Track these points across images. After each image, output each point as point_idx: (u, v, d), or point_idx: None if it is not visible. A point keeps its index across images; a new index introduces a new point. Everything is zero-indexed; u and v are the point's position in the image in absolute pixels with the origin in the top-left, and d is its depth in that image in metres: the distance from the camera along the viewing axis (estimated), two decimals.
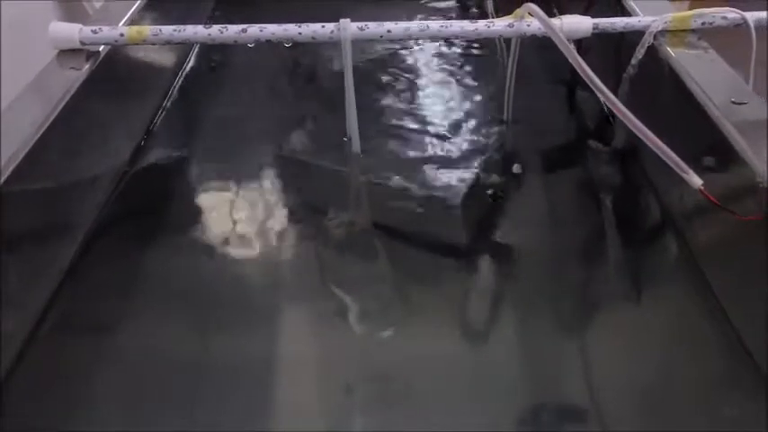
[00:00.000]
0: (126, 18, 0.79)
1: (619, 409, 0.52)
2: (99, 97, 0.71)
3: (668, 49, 0.70)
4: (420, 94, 0.89)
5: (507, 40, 0.81)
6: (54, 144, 0.61)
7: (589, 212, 0.71)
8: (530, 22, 0.72)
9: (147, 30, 0.73)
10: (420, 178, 0.73)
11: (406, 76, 0.92)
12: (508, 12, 0.73)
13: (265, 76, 0.95)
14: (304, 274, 0.64)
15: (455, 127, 0.82)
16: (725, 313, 0.56)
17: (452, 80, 0.91)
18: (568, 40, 0.67)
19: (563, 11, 0.76)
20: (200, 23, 0.75)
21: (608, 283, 0.63)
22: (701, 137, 0.61)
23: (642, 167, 0.73)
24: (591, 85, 0.62)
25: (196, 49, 0.99)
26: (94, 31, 0.72)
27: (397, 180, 0.73)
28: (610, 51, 0.79)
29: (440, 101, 0.87)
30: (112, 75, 0.75)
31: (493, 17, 1.01)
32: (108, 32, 0.72)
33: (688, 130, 0.63)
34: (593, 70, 0.62)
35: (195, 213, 0.71)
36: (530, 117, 0.83)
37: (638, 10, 0.78)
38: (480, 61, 0.96)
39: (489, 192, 0.72)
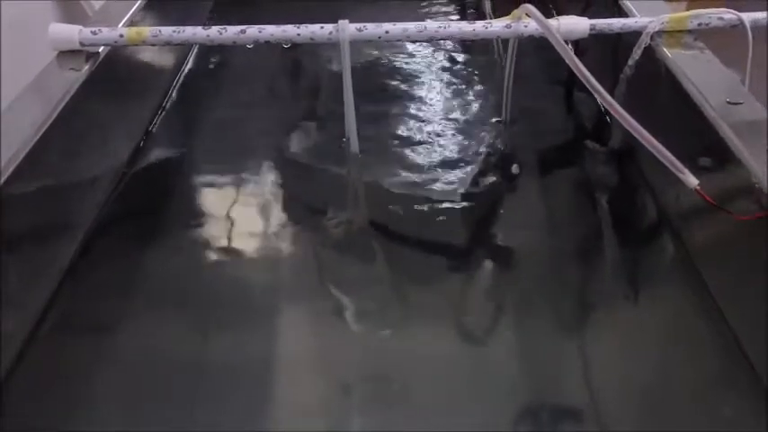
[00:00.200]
0: (125, 19, 0.79)
1: (616, 408, 0.52)
2: (98, 98, 0.71)
3: (665, 49, 0.70)
4: (418, 94, 0.89)
5: (505, 41, 0.82)
6: (54, 144, 0.61)
7: (586, 212, 0.71)
8: (527, 22, 0.72)
9: (147, 31, 0.73)
10: (418, 178, 0.73)
11: (404, 76, 0.92)
12: (506, 13, 0.74)
13: (264, 76, 0.95)
14: (303, 274, 0.64)
15: (453, 127, 0.82)
16: (721, 313, 0.57)
17: (451, 81, 0.92)
18: (565, 40, 0.68)
19: (560, 12, 0.76)
20: (200, 24, 0.75)
21: (605, 282, 0.63)
22: (698, 137, 0.61)
23: (639, 167, 0.73)
24: (587, 86, 0.62)
25: (195, 50, 0.99)
26: (94, 33, 0.72)
27: (395, 180, 0.73)
28: (607, 52, 0.79)
29: (438, 101, 0.88)
30: (112, 76, 0.75)
31: (490, 18, 1.01)
32: (107, 33, 0.73)
33: (684, 130, 0.63)
34: (590, 71, 0.62)
35: (194, 213, 0.71)
36: (528, 118, 0.83)
37: (634, 11, 0.78)
38: (478, 62, 0.96)
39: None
